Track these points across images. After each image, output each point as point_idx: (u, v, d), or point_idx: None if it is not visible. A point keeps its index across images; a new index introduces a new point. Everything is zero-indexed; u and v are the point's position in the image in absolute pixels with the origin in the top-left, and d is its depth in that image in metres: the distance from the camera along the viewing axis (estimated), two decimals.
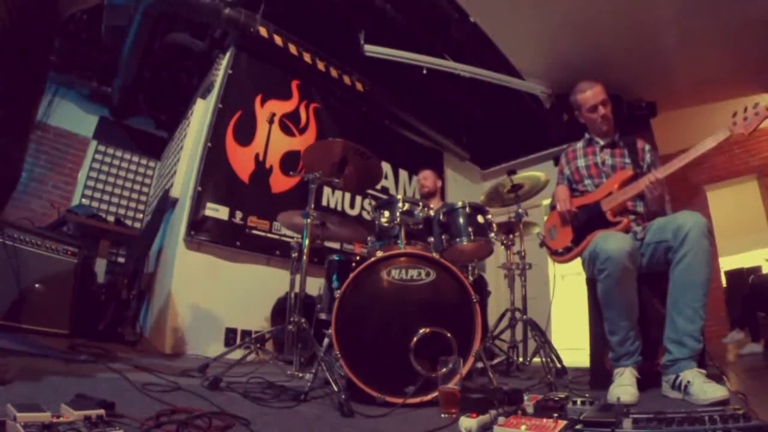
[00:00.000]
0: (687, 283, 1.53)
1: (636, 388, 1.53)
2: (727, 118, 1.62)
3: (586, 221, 1.94)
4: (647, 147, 2.08)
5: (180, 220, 3.13)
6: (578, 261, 2.02)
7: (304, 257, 2.01)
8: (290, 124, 3.77)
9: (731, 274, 4.48)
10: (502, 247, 3.07)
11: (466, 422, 1.01)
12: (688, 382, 1.42)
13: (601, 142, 2.11)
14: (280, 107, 3.72)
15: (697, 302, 1.51)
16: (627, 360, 1.61)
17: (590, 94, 2.04)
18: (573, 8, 3.26)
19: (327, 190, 3.93)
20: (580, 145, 2.19)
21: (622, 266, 1.57)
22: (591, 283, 2.02)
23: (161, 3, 3.26)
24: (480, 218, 2.05)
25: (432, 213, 2.01)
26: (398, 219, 1.85)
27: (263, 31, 3.48)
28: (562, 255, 2.02)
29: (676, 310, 1.54)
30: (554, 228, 2.11)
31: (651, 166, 2.00)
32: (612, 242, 1.60)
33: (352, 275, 1.57)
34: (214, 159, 3.24)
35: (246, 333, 3.11)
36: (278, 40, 3.59)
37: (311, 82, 3.95)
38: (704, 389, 1.35)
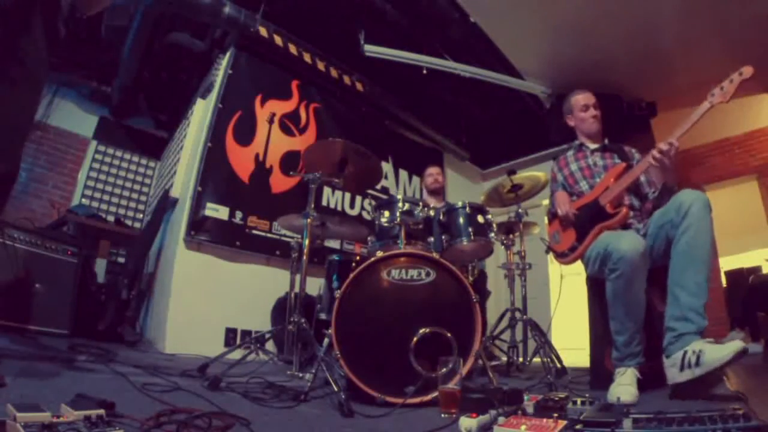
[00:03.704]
0: (690, 256, 1.49)
1: (636, 388, 1.52)
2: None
3: (587, 219, 1.95)
4: (634, 150, 2.16)
5: (180, 220, 3.13)
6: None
7: (304, 257, 2.01)
8: (290, 124, 3.76)
9: (731, 274, 4.48)
10: (502, 247, 3.08)
11: (466, 422, 1.00)
12: (700, 351, 1.35)
13: (591, 147, 2.18)
14: (280, 107, 3.72)
15: (701, 276, 1.46)
16: (631, 360, 1.60)
17: (582, 96, 2.23)
18: (573, 8, 3.26)
19: (327, 190, 3.93)
20: (570, 153, 2.26)
21: (634, 266, 1.55)
22: (592, 282, 2.02)
23: (161, 3, 3.26)
24: (480, 218, 2.05)
25: (432, 213, 2.01)
26: (398, 219, 1.85)
27: (263, 31, 3.48)
28: (567, 256, 2.02)
29: (679, 286, 1.49)
30: (557, 233, 2.13)
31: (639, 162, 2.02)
32: (625, 242, 1.58)
33: (352, 275, 1.58)
34: (214, 159, 3.24)
35: (246, 333, 3.11)
36: (278, 40, 3.59)
37: (311, 82, 3.95)
38: (719, 348, 1.31)
